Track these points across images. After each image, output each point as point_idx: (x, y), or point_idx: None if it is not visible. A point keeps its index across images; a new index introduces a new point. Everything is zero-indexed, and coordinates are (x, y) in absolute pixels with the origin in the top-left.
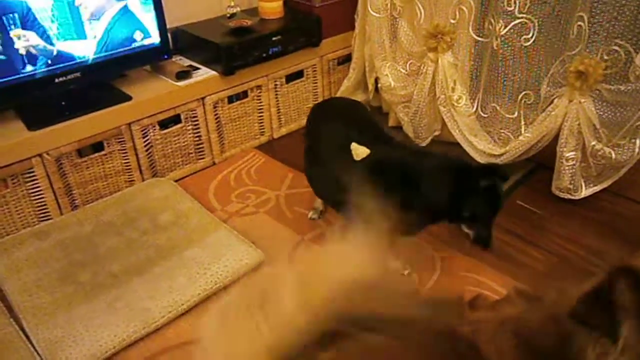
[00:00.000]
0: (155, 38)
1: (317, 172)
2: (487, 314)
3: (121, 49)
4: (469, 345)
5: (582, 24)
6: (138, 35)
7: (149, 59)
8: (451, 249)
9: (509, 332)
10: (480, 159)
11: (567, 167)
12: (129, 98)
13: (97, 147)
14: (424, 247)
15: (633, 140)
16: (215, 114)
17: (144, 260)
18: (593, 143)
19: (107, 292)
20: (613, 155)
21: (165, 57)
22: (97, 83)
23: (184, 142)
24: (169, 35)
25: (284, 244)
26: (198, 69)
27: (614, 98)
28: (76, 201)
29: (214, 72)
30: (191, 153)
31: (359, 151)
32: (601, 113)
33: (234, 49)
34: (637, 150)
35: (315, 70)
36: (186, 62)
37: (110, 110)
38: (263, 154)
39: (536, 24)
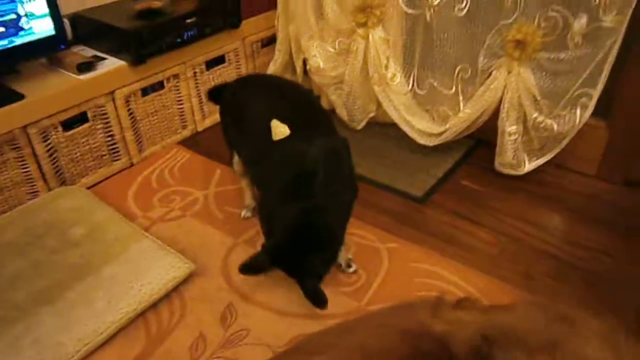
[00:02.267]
0: (48, 25)
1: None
2: (473, 316)
3: (7, 40)
4: (438, 344)
5: None
6: (26, 23)
7: (43, 51)
8: (399, 238)
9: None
10: (420, 139)
11: (509, 142)
12: (20, 97)
13: None
14: (368, 239)
15: (574, 111)
16: (129, 109)
17: (53, 285)
18: (534, 115)
19: (10, 328)
20: (555, 127)
21: (62, 47)
22: None
23: (94, 144)
24: (66, 22)
25: (216, 250)
26: (103, 59)
27: (553, 67)
28: None
29: (122, 62)
30: (104, 155)
31: (278, 130)
32: (541, 83)
33: (143, 35)
34: (578, 120)
35: (237, 55)
36: (89, 52)
37: None
38: (187, 150)
39: None
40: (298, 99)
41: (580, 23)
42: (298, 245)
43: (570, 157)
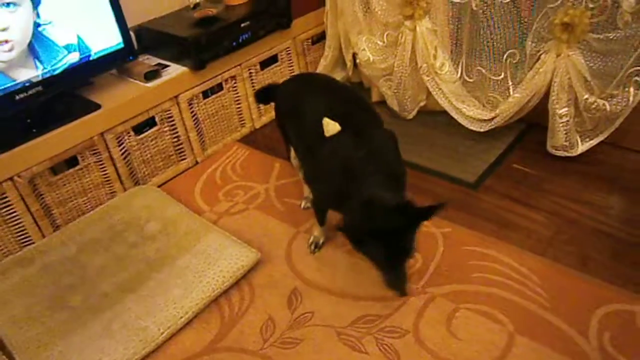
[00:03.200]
0: (117, 39)
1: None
2: None
3: (83, 56)
4: None
5: None
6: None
7: (114, 63)
8: (453, 223)
9: None
10: (471, 126)
11: (561, 124)
12: (98, 106)
13: (71, 162)
14: (424, 225)
15: (627, 90)
16: (192, 112)
17: (135, 276)
18: (586, 96)
19: (102, 315)
20: (607, 107)
21: (131, 58)
22: (63, 95)
23: (162, 145)
24: (131, 34)
25: (279, 240)
26: (167, 66)
27: (603, 47)
28: (57, 221)
29: (184, 68)
30: (171, 155)
31: (330, 127)
32: (591, 64)
33: (202, 41)
34: (631, 99)
35: (289, 53)
36: (153, 60)
37: (80, 122)
38: (246, 147)
39: None
40: (346, 96)
41: (629, 1)
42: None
43: (626, 136)
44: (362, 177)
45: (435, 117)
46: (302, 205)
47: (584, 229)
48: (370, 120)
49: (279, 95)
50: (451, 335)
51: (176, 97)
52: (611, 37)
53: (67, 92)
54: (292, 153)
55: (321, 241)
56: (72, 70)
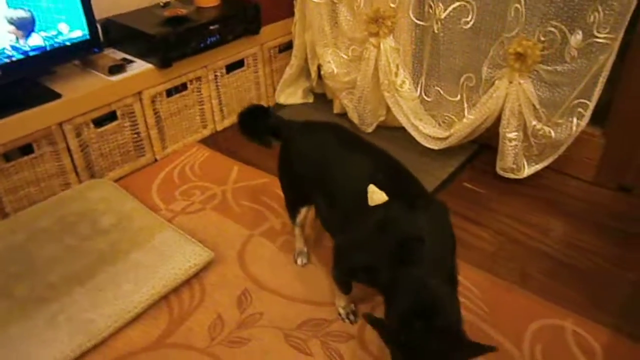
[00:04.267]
0: (83, 30)
1: (332, 221)
2: None
3: (45, 44)
4: None
5: (518, 5)
6: (64, 28)
7: (78, 53)
8: None
9: None
10: (426, 143)
11: (509, 147)
12: (58, 96)
13: (26, 149)
14: None
15: (570, 119)
16: (154, 109)
17: (85, 268)
18: (534, 123)
19: (47, 306)
20: (553, 134)
21: (96, 50)
22: (22, 81)
23: (122, 140)
24: (98, 26)
25: (233, 241)
26: (132, 62)
27: (551, 78)
28: (6, 209)
29: (149, 65)
30: (130, 151)
31: (376, 196)
32: (540, 93)
33: (170, 40)
34: (574, 128)
35: (255, 59)
36: (119, 55)
37: (38, 110)
38: (207, 148)
39: (475, 7)
40: (387, 160)
41: (576, 38)
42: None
43: (568, 163)
44: (416, 263)
45: (393, 132)
46: (299, 262)
47: (525, 247)
48: (420, 190)
49: (295, 145)
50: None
51: (139, 93)
52: (559, 69)
53: (28, 79)
54: (301, 215)
55: (353, 308)
56: (34, 58)
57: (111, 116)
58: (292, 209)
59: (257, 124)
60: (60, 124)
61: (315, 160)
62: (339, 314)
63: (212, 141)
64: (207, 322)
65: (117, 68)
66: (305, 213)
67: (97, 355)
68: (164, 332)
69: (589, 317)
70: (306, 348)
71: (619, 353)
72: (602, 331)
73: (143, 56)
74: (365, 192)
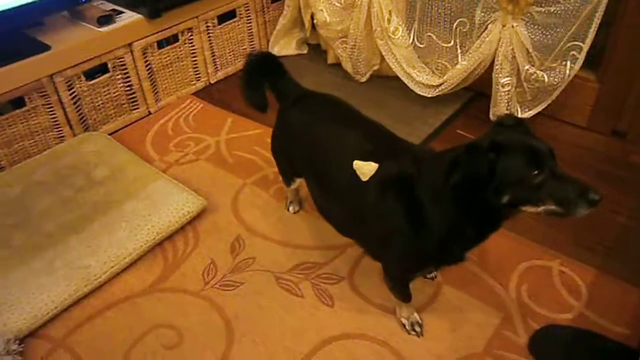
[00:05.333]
0: None
1: (325, 201)
2: None
3: None
4: None
5: None
6: None
7: (66, 4)
8: None
9: None
10: (420, 91)
11: (503, 93)
12: (47, 47)
13: (18, 102)
14: None
15: (564, 63)
16: (146, 61)
17: (80, 218)
18: (527, 67)
19: (44, 253)
20: (546, 79)
21: (83, 1)
22: (10, 33)
23: (114, 93)
24: None
25: (226, 190)
26: (121, 12)
27: (544, 20)
28: (1, 162)
29: (139, 15)
30: (124, 104)
31: (365, 169)
32: (533, 37)
33: None
34: (567, 72)
35: (248, 9)
36: (108, 6)
37: (27, 62)
38: (200, 100)
39: None
40: (377, 133)
41: None
42: None
43: (562, 109)
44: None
45: (387, 81)
46: (291, 210)
47: None
48: (405, 144)
49: (287, 118)
50: (384, 283)
51: (130, 44)
52: (552, 10)
53: (16, 31)
54: (295, 184)
55: (417, 319)
56: (21, 9)
57: (102, 69)
58: (285, 178)
59: (263, 79)
60: (51, 77)
61: (304, 138)
62: (403, 326)
63: (205, 93)
64: (200, 268)
65: (105, 19)
66: (300, 182)
67: (95, 300)
68: (158, 278)
69: (576, 258)
70: (297, 290)
71: (603, 291)
72: (588, 271)
73: (132, 6)
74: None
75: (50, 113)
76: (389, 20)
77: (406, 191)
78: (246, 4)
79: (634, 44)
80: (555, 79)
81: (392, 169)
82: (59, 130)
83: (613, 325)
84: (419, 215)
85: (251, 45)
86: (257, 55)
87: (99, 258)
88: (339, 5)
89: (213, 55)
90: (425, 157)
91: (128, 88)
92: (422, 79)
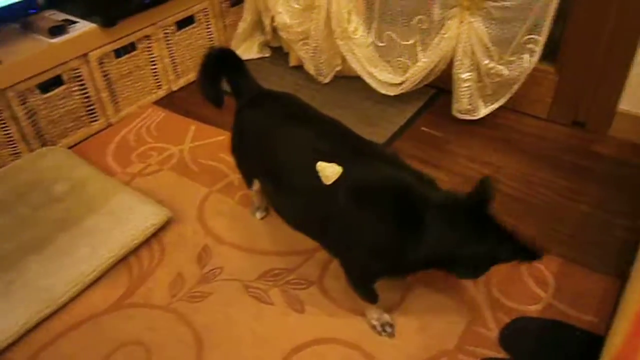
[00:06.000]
0: None
1: (280, 201)
2: None
3: None
4: None
5: None
6: None
7: (15, 16)
8: None
9: None
10: (383, 90)
11: (464, 89)
12: None
13: None
14: None
15: (522, 56)
16: (103, 71)
17: (40, 237)
18: (486, 62)
19: (1, 276)
20: (505, 73)
21: (32, 11)
22: None
23: (71, 105)
24: None
25: (192, 199)
26: (75, 22)
27: (501, 15)
28: None
29: (93, 25)
30: (82, 116)
31: (328, 171)
32: (491, 31)
33: None
34: (526, 65)
35: (207, 15)
36: (60, 16)
37: None
38: (162, 109)
39: None
40: (332, 130)
41: None
42: None
43: (523, 102)
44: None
45: (350, 82)
46: (257, 216)
47: None
48: (366, 144)
49: (243, 118)
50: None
51: (85, 55)
52: (507, 4)
53: None
54: (257, 185)
55: (388, 320)
56: None
57: (57, 81)
58: (246, 180)
59: (221, 74)
60: (2, 91)
61: (257, 138)
62: (374, 327)
63: (168, 101)
64: (167, 281)
65: (58, 29)
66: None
67: (58, 321)
68: (124, 294)
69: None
70: (267, 297)
71: (569, 280)
72: (554, 261)
73: (85, 16)
74: (311, 167)
75: (4, 129)
76: (348, 21)
77: (397, 204)
78: (205, 9)
79: (587, 35)
80: (515, 73)
81: (369, 177)
82: (14, 147)
83: (581, 313)
84: (412, 232)
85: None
86: (217, 49)
87: (60, 278)
88: (298, 7)
89: (173, 63)
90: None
91: (86, 100)
92: (384, 78)
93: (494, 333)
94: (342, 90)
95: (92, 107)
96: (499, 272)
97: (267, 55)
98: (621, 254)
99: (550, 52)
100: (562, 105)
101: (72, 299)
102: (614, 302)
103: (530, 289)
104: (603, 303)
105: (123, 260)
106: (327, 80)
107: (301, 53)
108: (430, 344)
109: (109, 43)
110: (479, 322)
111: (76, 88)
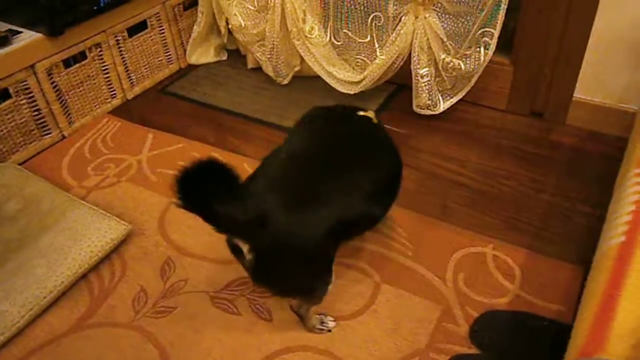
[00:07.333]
0: None
1: None
2: None
3: None
4: None
5: None
6: None
7: None
8: None
9: None
10: (342, 89)
11: (423, 84)
12: None
13: None
14: None
15: (478, 49)
16: (52, 82)
17: None
18: (443, 56)
19: None
20: (462, 66)
21: None
22: None
23: (20, 120)
24: None
25: (152, 210)
26: (19, 32)
27: (454, 9)
28: None
29: (39, 34)
30: (33, 130)
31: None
32: (445, 26)
33: (56, 4)
34: (482, 58)
35: (159, 19)
36: (3, 26)
37: None
38: (118, 118)
39: None
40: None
41: None
42: None
43: (482, 94)
44: None
45: (310, 82)
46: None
47: (444, 181)
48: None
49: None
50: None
51: (32, 66)
52: None
53: None
54: None
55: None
56: None
57: (4, 94)
58: None
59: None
60: None
61: None
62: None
63: (123, 111)
64: (130, 297)
65: (1, 40)
66: None
67: (15, 347)
68: (85, 314)
69: (507, 240)
70: (233, 308)
71: (535, 270)
72: (520, 252)
73: (30, 25)
74: None
75: None
76: (303, 20)
77: None
78: (157, 13)
79: (540, 26)
80: (472, 66)
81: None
82: None
83: (548, 303)
84: None
85: (167, 55)
86: (189, 170)
87: (15, 301)
88: (252, 8)
89: (127, 70)
90: None
91: (36, 113)
92: (343, 77)
93: (463, 329)
94: (302, 91)
95: (43, 120)
96: (465, 266)
97: (224, 58)
98: (584, 241)
99: (505, 44)
100: (519, 96)
101: (30, 323)
102: (579, 290)
103: (497, 282)
104: (569, 291)
105: (83, 278)
106: (286, 81)
107: (258, 55)
108: (402, 345)
109: (57, 53)
110: (448, 318)
111: (24, 101)
